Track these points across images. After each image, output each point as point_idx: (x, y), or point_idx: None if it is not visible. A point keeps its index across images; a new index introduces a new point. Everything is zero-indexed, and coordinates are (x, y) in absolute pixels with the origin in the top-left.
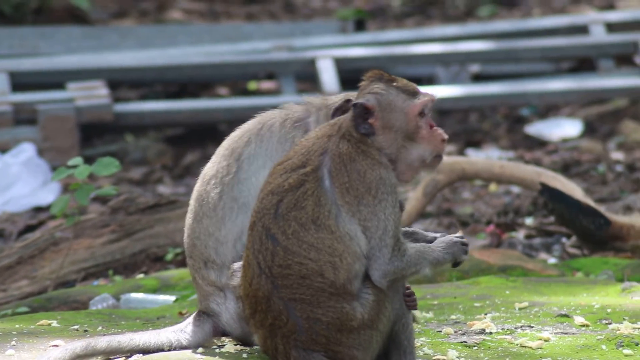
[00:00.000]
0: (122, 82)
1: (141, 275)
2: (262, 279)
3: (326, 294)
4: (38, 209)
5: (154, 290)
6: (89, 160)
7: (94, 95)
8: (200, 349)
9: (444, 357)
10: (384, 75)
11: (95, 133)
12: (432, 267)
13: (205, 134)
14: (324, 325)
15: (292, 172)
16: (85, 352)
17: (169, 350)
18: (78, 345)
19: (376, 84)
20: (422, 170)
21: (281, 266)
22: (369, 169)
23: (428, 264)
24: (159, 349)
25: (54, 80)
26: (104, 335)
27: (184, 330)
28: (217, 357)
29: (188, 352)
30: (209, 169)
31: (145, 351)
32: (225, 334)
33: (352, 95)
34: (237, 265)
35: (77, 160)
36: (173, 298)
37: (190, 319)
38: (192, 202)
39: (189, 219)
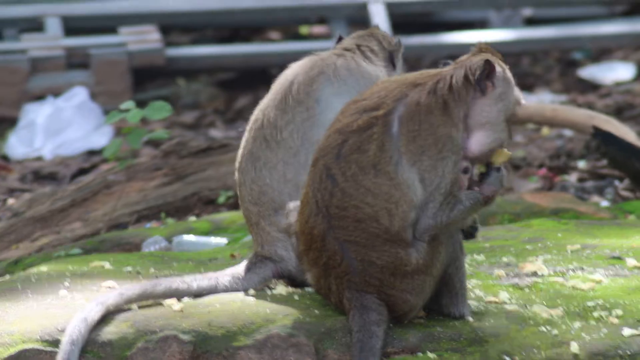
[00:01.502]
0: (173, 27)
1: (193, 218)
2: (319, 218)
3: (381, 239)
4: (91, 153)
5: (206, 233)
6: (141, 104)
7: (145, 39)
8: (252, 292)
9: (496, 299)
10: (494, 51)
11: (147, 77)
12: (474, 213)
13: (257, 78)
14: (377, 268)
15: (364, 113)
16: (140, 298)
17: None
18: (134, 291)
19: (496, 57)
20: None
21: (338, 207)
22: (443, 124)
23: (472, 212)
24: (215, 292)
25: (106, 24)
26: (159, 279)
27: (240, 277)
28: (269, 299)
29: (240, 294)
30: (277, 113)
31: (201, 295)
32: (284, 278)
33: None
34: (293, 204)
35: (130, 104)
36: (225, 240)
37: (246, 264)
38: (255, 149)
39: (253, 166)
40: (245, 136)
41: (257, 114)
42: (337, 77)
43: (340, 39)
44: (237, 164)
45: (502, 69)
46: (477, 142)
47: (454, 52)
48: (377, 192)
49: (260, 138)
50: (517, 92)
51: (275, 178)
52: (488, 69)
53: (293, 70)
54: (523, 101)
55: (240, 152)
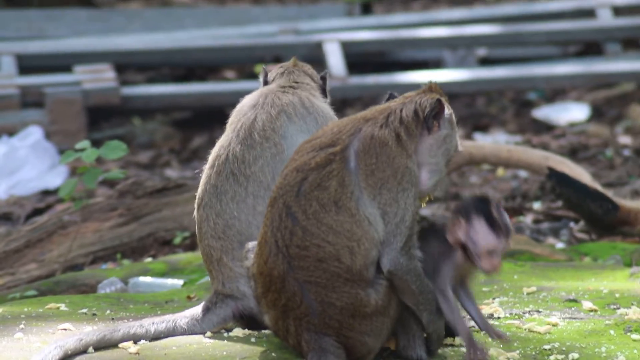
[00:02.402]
0: (129, 66)
1: (149, 259)
2: (279, 258)
3: (342, 279)
4: (46, 193)
5: (162, 274)
6: (96, 143)
7: (101, 78)
8: (208, 334)
9: (452, 342)
10: (442, 91)
11: (102, 116)
12: (422, 306)
13: (213, 117)
14: (337, 309)
15: (320, 151)
16: (99, 344)
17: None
18: (93, 337)
19: (444, 98)
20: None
21: (299, 247)
22: (399, 155)
23: (424, 299)
24: (173, 335)
25: (61, 63)
26: (118, 324)
27: (199, 319)
28: (225, 340)
29: (197, 336)
30: (243, 148)
31: (159, 338)
32: (244, 317)
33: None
34: (252, 244)
35: (85, 143)
36: (181, 282)
37: (204, 304)
38: (220, 183)
39: (219, 200)
40: (206, 173)
41: (217, 150)
42: (297, 115)
43: (266, 74)
44: (197, 202)
45: (450, 111)
46: (423, 178)
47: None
48: (339, 230)
49: (227, 172)
50: (458, 137)
51: (244, 211)
52: (437, 109)
53: (249, 107)
54: (461, 148)
55: (200, 189)
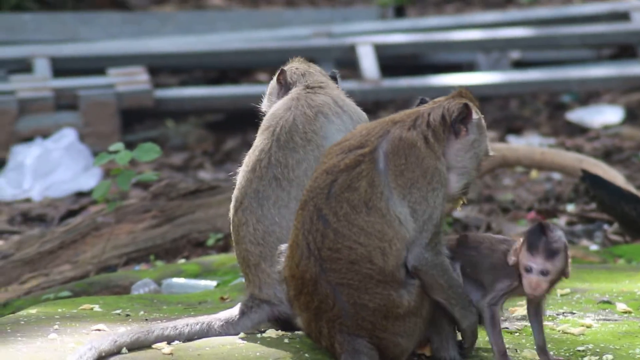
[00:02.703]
0: (162, 68)
1: (182, 261)
2: (311, 261)
3: (374, 280)
4: (80, 194)
5: (195, 275)
6: (129, 145)
7: (134, 81)
8: (242, 334)
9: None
10: (472, 96)
11: (135, 119)
12: (453, 301)
13: (245, 119)
14: (370, 311)
15: (349, 153)
16: (133, 345)
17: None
18: (127, 338)
19: (474, 103)
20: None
21: (331, 249)
22: (428, 157)
23: (454, 293)
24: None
25: (95, 66)
26: (152, 325)
27: (233, 322)
28: (259, 342)
29: (230, 337)
30: (286, 152)
31: (193, 339)
32: (279, 321)
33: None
34: (284, 246)
35: (119, 145)
36: (214, 283)
37: (240, 307)
38: (263, 187)
39: (260, 205)
40: (246, 177)
41: (257, 154)
42: (334, 114)
43: (286, 76)
44: (234, 204)
45: (478, 116)
46: (452, 181)
47: (442, 95)
48: (370, 231)
49: (269, 177)
50: (488, 142)
51: (286, 217)
52: (465, 113)
53: (285, 112)
54: (492, 153)
55: (238, 191)
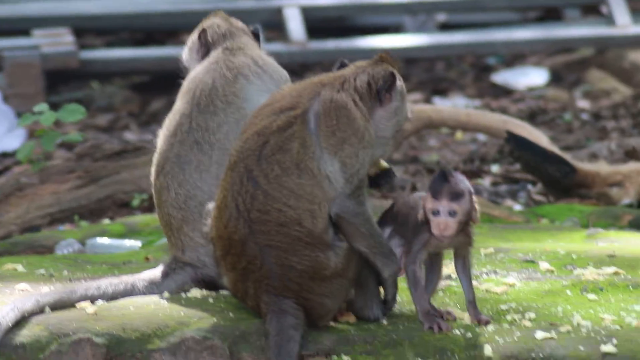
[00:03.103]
0: (88, 30)
1: (107, 221)
2: (240, 222)
3: (302, 242)
4: (3, 155)
5: (120, 236)
6: (54, 106)
7: (59, 42)
8: (166, 294)
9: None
10: (394, 61)
11: (60, 80)
12: (375, 249)
13: (171, 81)
14: (297, 272)
15: (281, 114)
16: (56, 306)
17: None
18: (50, 299)
19: (396, 67)
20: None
21: (260, 211)
22: (359, 118)
23: (375, 242)
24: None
25: (19, 26)
26: (76, 285)
27: (157, 283)
28: (183, 302)
29: (155, 297)
30: (206, 117)
31: (117, 299)
32: (203, 283)
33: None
34: (212, 206)
35: (43, 106)
36: (139, 243)
37: (163, 269)
38: (184, 152)
39: (182, 169)
40: (167, 141)
41: (178, 118)
42: (254, 75)
43: (206, 35)
44: (156, 168)
45: (401, 83)
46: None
47: (369, 57)
48: (300, 194)
49: (191, 141)
50: (408, 107)
51: (207, 181)
52: (390, 81)
53: (205, 74)
54: (411, 116)
55: (159, 156)
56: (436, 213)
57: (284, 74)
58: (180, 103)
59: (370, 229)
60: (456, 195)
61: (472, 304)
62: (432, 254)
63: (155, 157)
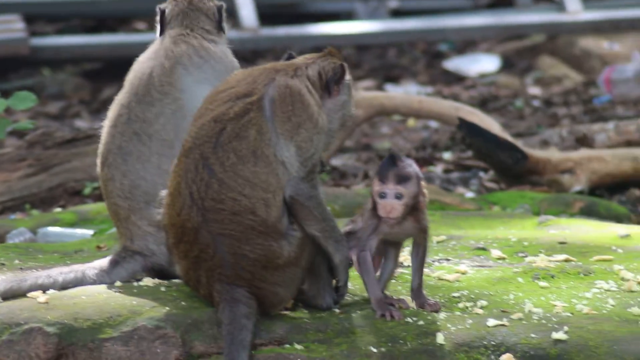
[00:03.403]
0: (38, 16)
1: (58, 209)
2: (193, 211)
3: (256, 231)
4: None
5: (72, 224)
6: (5, 94)
7: (9, 29)
8: (118, 283)
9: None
10: (341, 56)
11: (11, 67)
12: (327, 233)
13: (123, 68)
14: (250, 261)
15: (237, 100)
16: (6, 294)
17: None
18: (0, 287)
19: (344, 63)
20: None
21: (214, 200)
22: (313, 104)
23: (327, 226)
24: (81, 285)
25: None
26: (25, 274)
27: (107, 271)
28: (135, 290)
29: (106, 286)
30: (143, 107)
31: (68, 288)
32: (153, 272)
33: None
34: (165, 193)
35: None
36: (91, 232)
37: (112, 257)
38: (125, 144)
39: (124, 160)
40: (109, 132)
41: (118, 109)
42: (193, 65)
43: (163, 14)
44: (100, 159)
45: (350, 78)
46: None
47: (321, 43)
48: (255, 182)
49: (130, 133)
50: (353, 104)
51: (150, 170)
52: (340, 74)
53: (145, 63)
54: (354, 112)
55: (102, 147)
56: (383, 196)
57: (231, 64)
58: (121, 93)
59: (322, 212)
60: (403, 178)
61: (414, 291)
62: (390, 244)
63: (100, 149)
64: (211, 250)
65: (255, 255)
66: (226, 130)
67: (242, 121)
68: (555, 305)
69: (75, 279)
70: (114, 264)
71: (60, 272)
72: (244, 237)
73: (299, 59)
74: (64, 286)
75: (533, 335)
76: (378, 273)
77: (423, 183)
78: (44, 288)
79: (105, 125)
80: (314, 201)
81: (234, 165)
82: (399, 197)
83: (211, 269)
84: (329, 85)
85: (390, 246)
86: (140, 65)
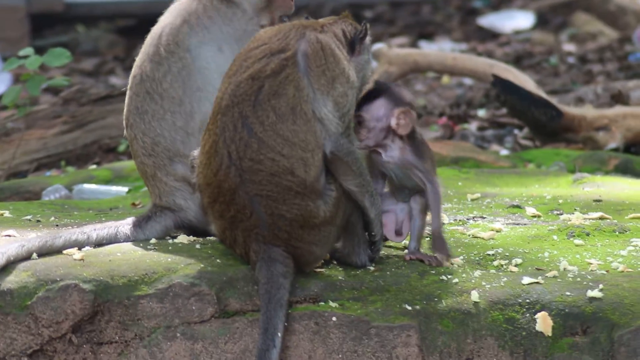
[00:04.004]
0: None
1: (93, 166)
2: (232, 171)
3: (293, 192)
4: None
5: (107, 181)
6: (40, 50)
7: None
8: (153, 240)
9: (395, 247)
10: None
11: (45, 24)
12: (363, 188)
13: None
14: (287, 221)
15: (272, 57)
16: (41, 250)
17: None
18: (35, 243)
19: (355, 24)
20: None
21: (253, 160)
22: (344, 59)
23: (364, 181)
24: (116, 242)
25: None
26: (60, 231)
27: (141, 227)
28: (170, 248)
29: (141, 243)
30: (152, 66)
31: (102, 244)
32: (185, 228)
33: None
34: (197, 152)
35: (28, 50)
36: (126, 189)
37: (145, 214)
38: (140, 103)
39: (142, 119)
40: (128, 93)
41: (134, 69)
42: (200, 26)
43: None
44: (125, 122)
45: (370, 39)
46: None
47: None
48: (294, 141)
49: (143, 92)
50: (371, 66)
51: (166, 128)
52: (363, 33)
53: (161, 22)
54: (371, 77)
55: (125, 109)
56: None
57: (242, 27)
58: (140, 52)
59: (359, 168)
60: (365, 102)
61: (413, 248)
62: (411, 198)
63: (124, 111)
64: (248, 211)
65: (292, 216)
66: (264, 88)
67: (279, 78)
68: (591, 263)
69: (109, 235)
70: (146, 219)
71: (94, 229)
72: (282, 197)
73: (320, 20)
74: (99, 242)
75: (568, 293)
76: (408, 235)
77: (404, 109)
78: (78, 244)
79: (128, 88)
80: (352, 156)
81: (274, 124)
82: (360, 121)
83: (248, 229)
84: (353, 42)
85: (413, 202)
86: (157, 24)
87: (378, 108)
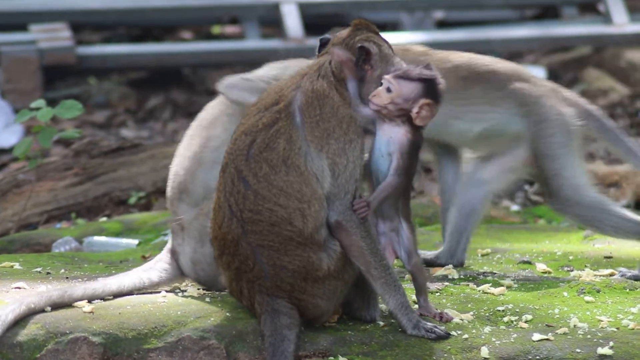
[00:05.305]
0: (85, 25)
1: (104, 219)
2: (233, 223)
3: (294, 242)
4: (0, 152)
5: (117, 234)
6: (51, 103)
7: (56, 37)
8: (163, 293)
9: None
10: (371, 25)
11: (58, 76)
12: (374, 272)
13: (169, 77)
14: (289, 272)
15: (266, 111)
16: (62, 301)
17: (140, 289)
18: (54, 293)
19: (367, 33)
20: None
21: (252, 211)
22: (342, 106)
23: (375, 262)
24: (132, 290)
25: (16, 21)
26: (72, 285)
27: (153, 267)
28: (180, 300)
29: (151, 296)
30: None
31: (119, 295)
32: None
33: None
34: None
35: (40, 102)
36: (136, 241)
37: (160, 256)
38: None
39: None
40: None
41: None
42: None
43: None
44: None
45: (376, 48)
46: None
47: None
48: (289, 192)
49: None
50: (398, 62)
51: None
52: (363, 56)
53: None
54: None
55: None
56: (382, 83)
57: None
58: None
59: (370, 244)
60: (402, 76)
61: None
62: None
63: None
64: (251, 261)
65: (294, 267)
66: (256, 142)
67: (271, 131)
68: (601, 320)
69: (128, 284)
70: (160, 263)
71: (113, 280)
72: (283, 248)
73: (325, 56)
74: (119, 293)
75: (578, 350)
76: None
77: (431, 101)
78: (96, 295)
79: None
80: (362, 230)
81: (267, 175)
82: (389, 90)
83: (251, 280)
84: (359, 69)
85: (399, 212)
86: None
87: (411, 90)
